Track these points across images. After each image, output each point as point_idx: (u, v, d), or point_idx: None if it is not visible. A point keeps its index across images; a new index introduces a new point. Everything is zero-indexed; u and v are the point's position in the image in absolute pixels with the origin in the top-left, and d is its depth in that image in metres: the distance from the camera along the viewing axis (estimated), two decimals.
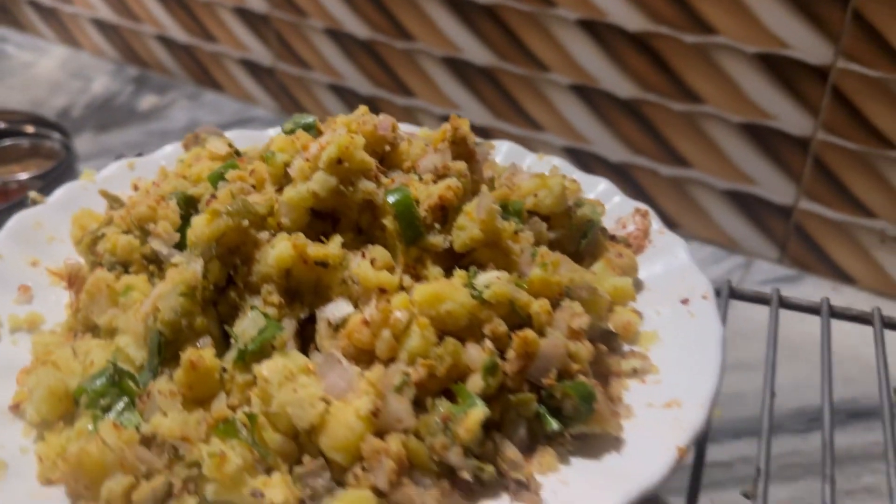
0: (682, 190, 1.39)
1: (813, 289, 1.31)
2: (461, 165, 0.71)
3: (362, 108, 0.77)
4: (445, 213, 0.67)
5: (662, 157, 1.38)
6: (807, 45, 1.19)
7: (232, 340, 0.63)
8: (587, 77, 1.39)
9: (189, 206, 0.73)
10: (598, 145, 1.43)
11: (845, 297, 1.30)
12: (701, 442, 0.65)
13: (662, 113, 1.35)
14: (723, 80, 1.27)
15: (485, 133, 1.53)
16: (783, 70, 1.22)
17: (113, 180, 0.87)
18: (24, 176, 1.34)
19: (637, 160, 1.40)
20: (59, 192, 0.85)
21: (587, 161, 1.45)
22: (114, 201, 0.81)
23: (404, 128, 0.91)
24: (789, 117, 1.25)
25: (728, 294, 0.79)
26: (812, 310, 0.78)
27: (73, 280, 0.72)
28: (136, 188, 0.85)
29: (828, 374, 0.69)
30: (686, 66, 1.29)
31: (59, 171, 1.33)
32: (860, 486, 1.00)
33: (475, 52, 1.48)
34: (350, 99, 1.68)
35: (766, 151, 1.29)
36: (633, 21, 1.30)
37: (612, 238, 0.79)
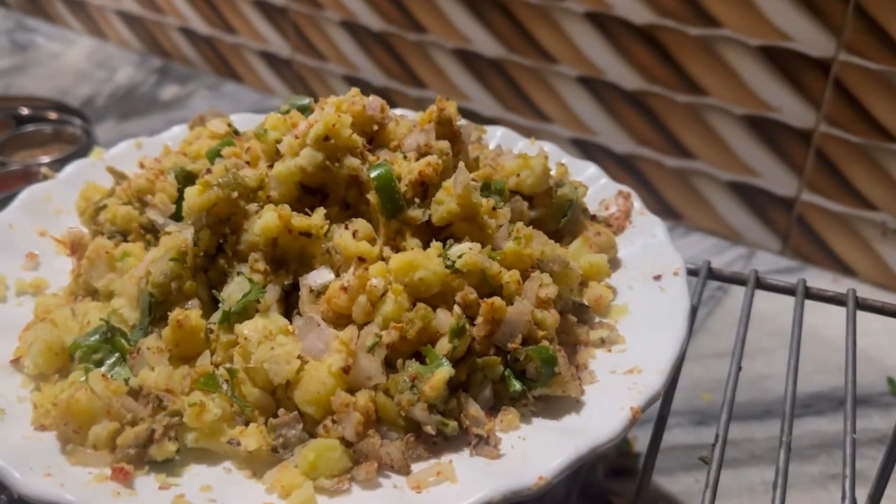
0: (685, 181, 1.40)
1: (814, 280, 1.31)
2: (444, 144, 0.74)
3: (354, 90, 0.80)
4: (425, 189, 0.71)
5: (667, 148, 1.39)
6: (809, 37, 1.20)
7: (219, 304, 0.67)
8: (594, 69, 1.41)
9: (187, 180, 0.77)
10: (603, 136, 1.45)
11: (845, 288, 1.31)
12: (664, 409, 0.67)
13: (667, 105, 1.36)
14: (726, 72, 1.29)
15: (493, 123, 1.55)
16: (786, 63, 1.23)
17: (121, 158, 0.92)
18: (45, 160, 1.39)
19: (642, 151, 1.42)
20: (69, 169, 0.89)
21: (593, 152, 1.47)
22: (120, 177, 0.86)
23: (402, 112, 0.94)
24: (792, 110, 1.26)
25: (706, 274, 0.81)
26: (788, 291, 0.80)
27: (76, 247, 0.77)
28: (142, 166, 0.89)
29: (796, 351, 0.71)
30: (690, 59, 1.31)
31: (79, 155, 1.38)
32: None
33: (485, 44, 1.51)
34: (365, 90, 1.71)
35: (769, 143, 1.30)
36: (639, 14, 1.32)
37: (593, 218, 0.82)
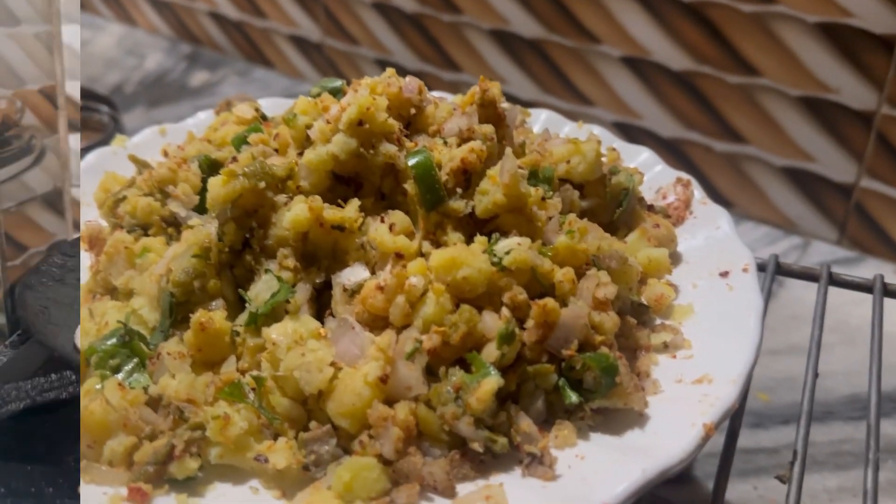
0: (736, 167, 1.34)
1: (873, 271, 1.23)
2: (487, 129, 0.68)
3: (389, 71, 0.75)
4: (468, 178, 0.65)
5: (717, 132, 1.33)
6: (872, 12, 1.13)
7: (246, 304, 0.62)
8: (639, 49, 1.34)
9: (211, 169, 0.71)
10: (649, 120, 1.39)
11: None
12: (734, 422, 0.61)
13: (717, 86, 1.29)
14: (781, 51, 1.22)
15: (532, 107, 1.50)
16: (845, 40, 1.16)
17: (144, 146, 0.87)
18: None
19: (690, 135, 1.36)
20: (90, 157, 0.85)
21: (638, 136, 1.41)
22: (142, 166, 0.81)
23: (440, 95, 0.88)
24: (852, 91, 1.19)
25: (774, 270, 0.74)
26: (864, 288, 0.73)
27: (94, 242, 0.72)
28: (165, 154, 0.84)
29: (878, 354, 0.65)
30: (742, 37, 1.24)
31: (106, 143, 1.34)
32: None
33: (523, 24, 1.45)
34: (398, 73, 1.66)
35: (827, 127, 1.23)
36: None
37: (651, 208, 0.76)
